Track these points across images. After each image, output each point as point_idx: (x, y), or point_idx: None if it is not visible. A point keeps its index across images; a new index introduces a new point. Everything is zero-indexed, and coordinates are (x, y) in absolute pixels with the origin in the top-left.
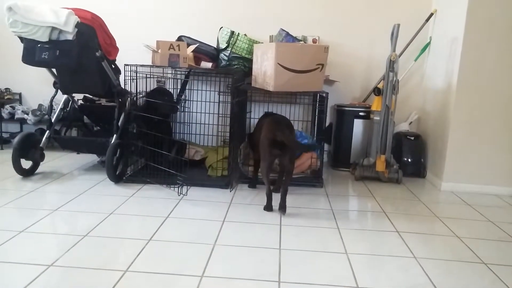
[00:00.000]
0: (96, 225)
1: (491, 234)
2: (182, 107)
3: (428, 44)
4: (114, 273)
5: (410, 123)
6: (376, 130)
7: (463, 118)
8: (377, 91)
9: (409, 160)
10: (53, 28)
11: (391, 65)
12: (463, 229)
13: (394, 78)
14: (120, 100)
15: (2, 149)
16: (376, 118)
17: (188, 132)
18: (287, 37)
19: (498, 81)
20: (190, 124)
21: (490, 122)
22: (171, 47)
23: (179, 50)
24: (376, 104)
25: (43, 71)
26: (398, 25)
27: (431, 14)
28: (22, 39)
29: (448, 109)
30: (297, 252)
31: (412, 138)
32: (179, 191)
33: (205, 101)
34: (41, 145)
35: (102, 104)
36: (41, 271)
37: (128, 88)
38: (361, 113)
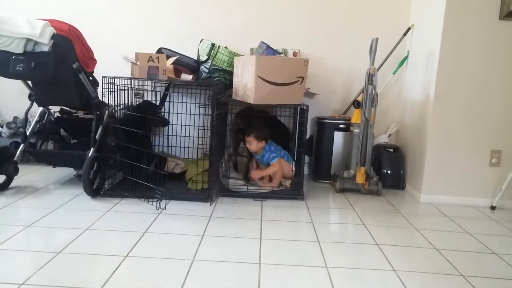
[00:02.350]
0: (71, 241)
1: (469, 246)
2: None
3: (406, 58)
4: None
5: (389, 135)
6: (356, 142)
7: (441, 130)
8: (356, 104)
9: (389, 172)
10: (28, 40)
11: (370, 78)
12: (441, 241)
13: (373, 91)
14: (97, 112)
15: None
16: (356, 130)
17: (168, 145)
18: (268, 50)
19: (474, 93)
20: (170, 136)
21: (467, 134)
22: (150, 59)
23: (158, 62)
24: (355, 116)
25: (18, 83)
26: (377, 39)
27: (409, 29)
28: None
29: (426, 121)
30: (277, 266)
31: (391, 150)
32: (158, 205)
33: (185, 114)
34: (15, 159)
35: (80, 116)
36: None
37: (106, 100)
38: (341, 126)
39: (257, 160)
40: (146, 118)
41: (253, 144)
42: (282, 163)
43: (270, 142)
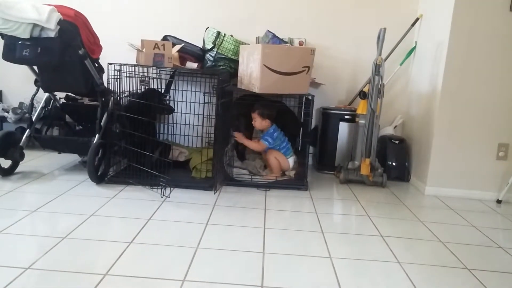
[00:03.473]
0: (76, 226)
1: (474, 239)
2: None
3: (413, 49)
4: (93, 276)
5: (395, 127)
6: (361, 133)
7: (447, 122)
8: (362, 94)
9: (394, 164)
10: (35, 25)
11: (377, 69)
12: (446, 234)
13: (380, 82)
14: (103, 99)
15: None
16: (361, 121)
17: (172, 133)
18: (274, 39)
19: (482, 85)
20: (175, 124)
21: (474, 127)
22: (156, 46)
23: (164, 49)
24: (361, 107)
25: (25, 68)
26: (385, 29)
27: (417, 19)
28: (2, 35)
29: (432, 113)
30: (281, 256)
31: (397, 142)
32: (162, 193)
33: (190, 102)
34: (21, 144)
35: (85, 103)
36: (18, 274)
37: (111, 87)
38: (346, 116)
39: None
40: (151, 105)
41: (257, 121)
42: (276, 154)
43: (277, 128)
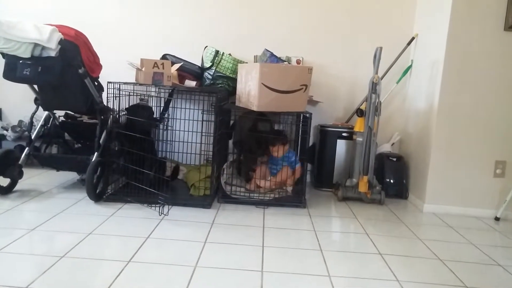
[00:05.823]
0: (74, 245)
1: (472, 257)
2: (165, 125)
3: (409, 67)
4: None
5: (393, 144)
6: (359, 151)
7: (444, 139)
8: (359, 112)
9: (392, 181)
10: (36, 45)
11: (374, 87)
12: (445, 252)
13: (377, 100)
14: (102, 117)
15: None
16: (359, 139)
17: (171, 150)
18: (272, 58)
19: (478, 103)
20: (173, 142)
21: (470, 144)
22: (155, 65)
23: (163, 68)
24: (359, 125)
25: (25, 87)
26: (381, 48)
27: (413, 38)
28: (3, 55)
29: (429, 130)
30: (280, 274)
31: (394, 159)
32: (160, 211)
33: (189, 120)
34: (20, 162)
35: (84, 121)
36: None
37: (111, 105)
38: (344, 134)
39: (270, 162)
40: (136, 121)
41: (280, 150)
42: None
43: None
